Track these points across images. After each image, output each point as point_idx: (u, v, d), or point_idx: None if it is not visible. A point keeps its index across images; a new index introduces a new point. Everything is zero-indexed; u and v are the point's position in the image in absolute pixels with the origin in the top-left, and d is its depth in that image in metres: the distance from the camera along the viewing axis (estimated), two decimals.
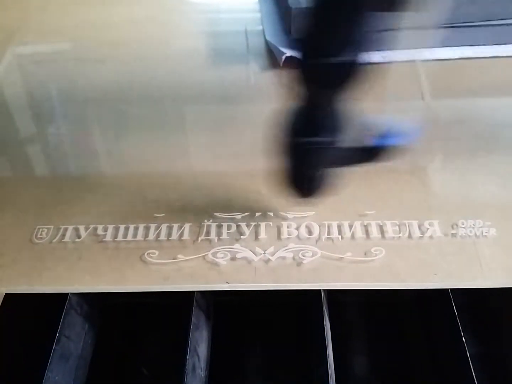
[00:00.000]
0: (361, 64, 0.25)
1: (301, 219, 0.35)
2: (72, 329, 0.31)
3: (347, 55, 0.24)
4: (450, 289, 0.31)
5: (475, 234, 0.33)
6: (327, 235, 0.34)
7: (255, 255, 0.32)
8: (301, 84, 0.26)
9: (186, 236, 0.34)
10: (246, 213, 0.35)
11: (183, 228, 0.34)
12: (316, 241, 0.33)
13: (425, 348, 0.32)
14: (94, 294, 0.32)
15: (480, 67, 0.48)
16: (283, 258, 0.32)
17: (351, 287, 0.31)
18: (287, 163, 0.29)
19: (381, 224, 0.34)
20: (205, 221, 0.35)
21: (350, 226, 0.34)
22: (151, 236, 0.34)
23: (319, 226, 0.34)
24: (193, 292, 0.32)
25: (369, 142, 0.29)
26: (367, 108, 0.28)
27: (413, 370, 0.32)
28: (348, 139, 0.28)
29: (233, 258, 0.32)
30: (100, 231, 0.34)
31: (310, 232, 0.34)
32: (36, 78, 0.51)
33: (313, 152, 0.28)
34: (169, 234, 0.34)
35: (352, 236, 0.33)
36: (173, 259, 0.32)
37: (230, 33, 0.56)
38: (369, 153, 0.29)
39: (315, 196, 0.31)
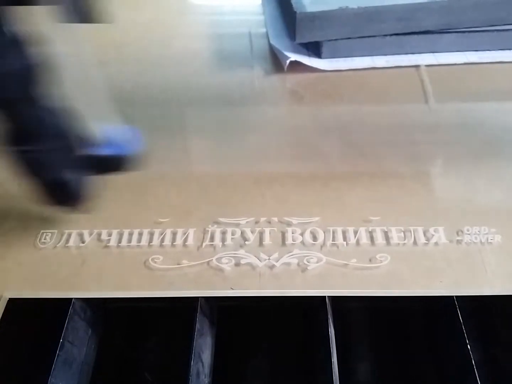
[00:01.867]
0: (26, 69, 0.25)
1: (306, 224, 0.35)
2: (75, 334, 0.31)
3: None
4: (455, 296, 0.31)
5: (481, 241, 0.33)
6: (332, 241, 0.33)
7: (260, 261, 0.32)
8: None
9: (190, 241, 0.34)
10: (251, 218, 0.35)
11: (187, 233, 0.34)
12: (321, 247, 0.33)
13: (430, 355, 0.32)
14: (98, 299, 0.32)
15: (485, 72, 0.48)
16: (288, 264, 0.32)
17: (356, 293, 0.31)
18: (25, 174, 0.29)
19: (386, 230, 0.34)
20: (210, 226, 0.35)
21: (355, 232, 0.34)
22: (156, 241, 0.34)
23: (324, 232, 0.34)
24: (197, 298, 0.31)
25: (91, 151, 0.30)
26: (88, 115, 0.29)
27: (418, 377, 0.32)
28: (66, 146, 0.28)
29: (237, 264, 0.32)
30: (104, 236, 0.34)
31: (315, 238, 0.34)
32: None
33: (35, 160, 0.28)
34: (173, 240, 0.34)
35: (357, 242, 0.33)
36: (178, 264, 0.32)
37: (234, 36, 0.56)
38: (100, 163, 0.30)
39: (77, 204, 0.31)
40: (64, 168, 0.29)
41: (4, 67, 0.25)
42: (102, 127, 0.31)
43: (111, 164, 0.30)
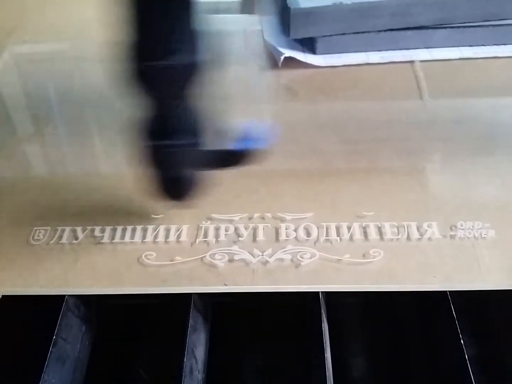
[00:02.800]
0: (195, 65, 0.25)
1: (299, 220, 0.34)
2: (69, 331, 0.31)
3: (175, 57, 0.24)
4: (449, 291, 0.31)
5: (474, 236, 0.33)
6: (326, 236, 0.33)
7: (253, 257, 0.32)
8: (142, 90, 0.26)
9: (184, 238, 0.33)
10: (244, 214, 0.35)
11: (180, 229, 0.34)
12: (315, 242, 0.33)
13: (423, 350, 0.32)
14: (91, 296, 0.32)
15: (480, 67, 0.48)
16: (281, 260, 0.32)
17: (349, 289, 0.31)
18: (150, 167, 0.29)
19: (379, 225, 0.34)
20: (203, 222, 0.34)
21: (349, 228, 0.34)
22: (149, 237, 0.33)
23: (318, 228, 0.34)
24: (190, 294, 0.31)
25: (226, 145, 0.29)
26: (223, 111, 0.29)
27: (412, 373, 0.32)
28: (203, 142, 0.28)
29: (231, 260, 0.32)
30: (97, 233, 0.34)
31: (308, 234, 0.34)
32: (33, 78, 0.51)
33: (170, 155, 0.28)
34: (167, 236, 0.34)
35: (351, 238, 0.33)
36: (171, 261, 0.32)
37: (229, 33, 0.56)
38: (228, 157, 0.30)
39: (186, 198, 0.31)
40: (189, 163, 0.29)
41: (180, 60, 0.25)
42: (237, 122, 0.30)
43: (235, 158, 0.30)
